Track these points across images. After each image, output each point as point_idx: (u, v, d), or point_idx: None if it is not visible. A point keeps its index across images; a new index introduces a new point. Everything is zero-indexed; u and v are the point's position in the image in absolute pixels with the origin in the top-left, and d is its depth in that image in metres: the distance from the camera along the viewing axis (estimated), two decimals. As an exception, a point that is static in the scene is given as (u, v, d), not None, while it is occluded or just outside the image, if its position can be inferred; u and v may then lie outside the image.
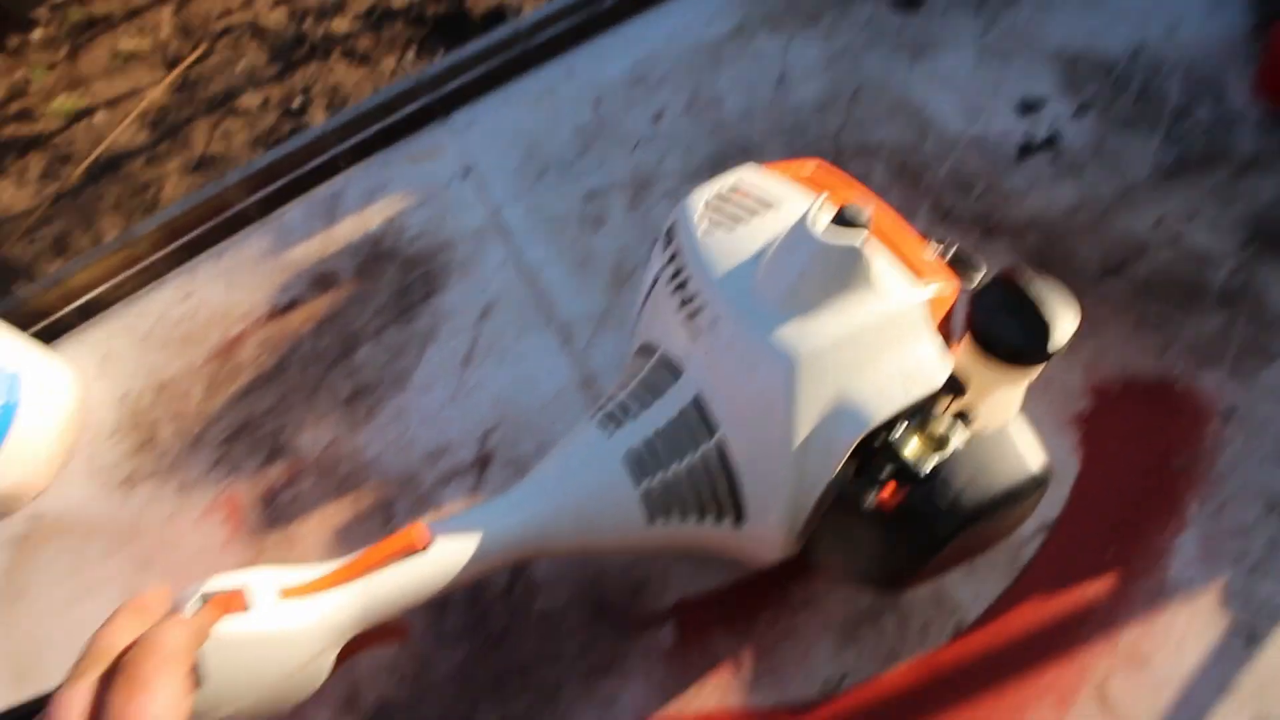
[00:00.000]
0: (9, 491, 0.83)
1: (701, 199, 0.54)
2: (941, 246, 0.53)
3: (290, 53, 2.22)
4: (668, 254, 0.54)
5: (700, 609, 0.64)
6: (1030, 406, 0.64)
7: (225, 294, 0.91)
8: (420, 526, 0.50)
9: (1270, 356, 0.63)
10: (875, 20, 0.86)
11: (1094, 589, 0.58)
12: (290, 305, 0.88)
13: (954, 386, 0.49)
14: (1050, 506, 0.61)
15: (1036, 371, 0.50)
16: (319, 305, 0.87)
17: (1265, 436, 0.60)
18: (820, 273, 0.46)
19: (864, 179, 0.77)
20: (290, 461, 0.79)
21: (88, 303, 0.94)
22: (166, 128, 2.19)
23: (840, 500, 0.48)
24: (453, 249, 0.86)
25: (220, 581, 0.47)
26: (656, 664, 0.63)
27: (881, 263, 0.49)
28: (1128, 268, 0.68)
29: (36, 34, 2.38)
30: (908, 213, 0.73)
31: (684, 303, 0.52)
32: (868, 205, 0.47)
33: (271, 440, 0.80)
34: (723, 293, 0.49)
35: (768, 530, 0.51)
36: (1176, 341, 0.64)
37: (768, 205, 0.53)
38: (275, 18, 2.30)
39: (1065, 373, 0.65)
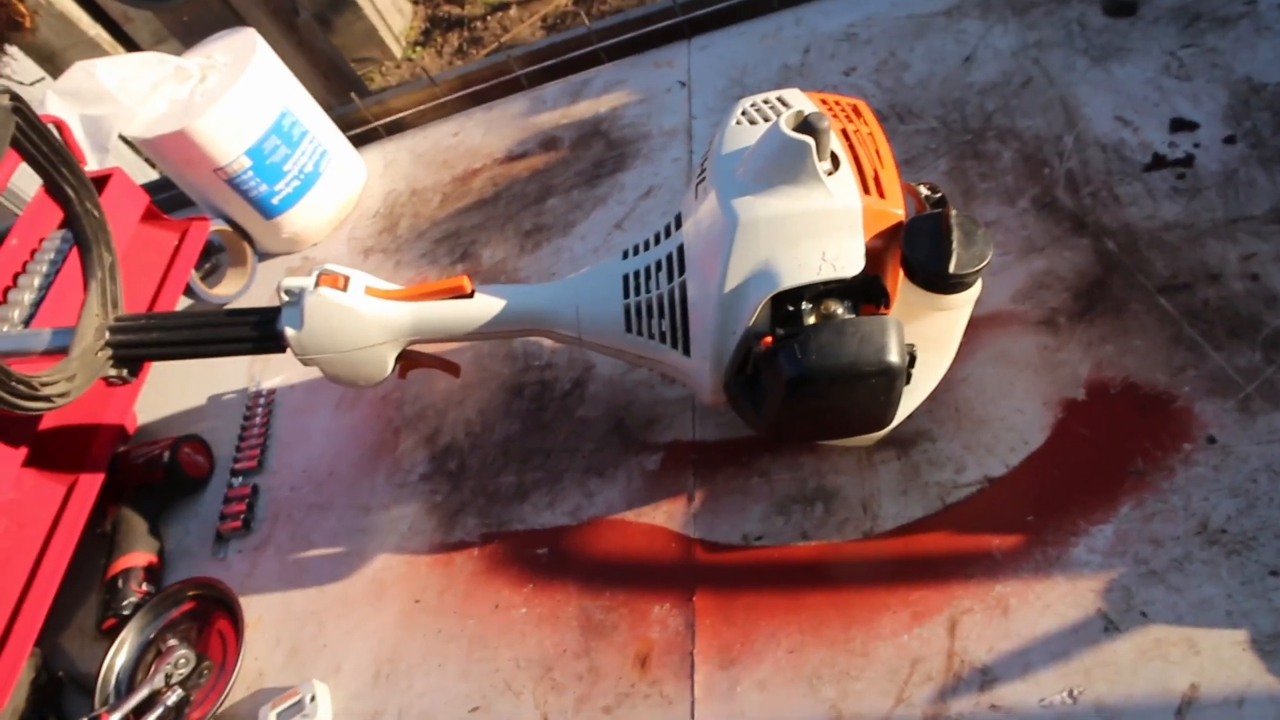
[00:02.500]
0: (298, 234, 1.14)
1: (750, 101, 0.66)
2: (929, 189, 0.61)
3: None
4: (712, 137, 0.67)
5: (686, 450, 0.77)
6: (1028, 379, 0.69)
7: (482, 137, 1.16)
8: (467, 278, 0.68)
9: (1280, 404, 0.61)
10: (1081, 19, 0.88)
11: (998, 542, 0.63)
12: (520, 155, 1.11)
13: (877, 292, 0.58)
14: (998, 466, 0.66)
15: (952, 301, 0.57)
16: (538, 160, 1.09)
17: (1231, 471, 0.60)
18: (777, 160, 0.57)
19: (993, 159, 0.83)
20: (470, 265, 1.01)
21: (394, 121, 1.23)
22: (559, 29, 2.54)
23: (748, 350, 0.59)
24: (647, 140, 1.03)
25: (333, 266, 0.69)
26: (636, 480, 0.77)
27: (844, 172, 0.58)
28: (1191, 290, 0.68)
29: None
30: (1013, 195, 0.79)
31: (700, 174, 0.64)
32: (830, 119, 0.56)
33: (467, 248, 1.04)
34: (717, 165, 0.61)
35: (702, 365, 0.63)
36: (1200, 367, 0.64)
37: (784, 112, 0.63)
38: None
39: (1077, 361, 0.68)
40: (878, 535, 0.66)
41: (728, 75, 1.04)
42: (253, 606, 0.82)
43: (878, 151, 0.60)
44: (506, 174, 1.09)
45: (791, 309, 0.57)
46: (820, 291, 0.57)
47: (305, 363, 0.70)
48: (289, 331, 0.68)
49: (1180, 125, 0.77)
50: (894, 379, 0.54)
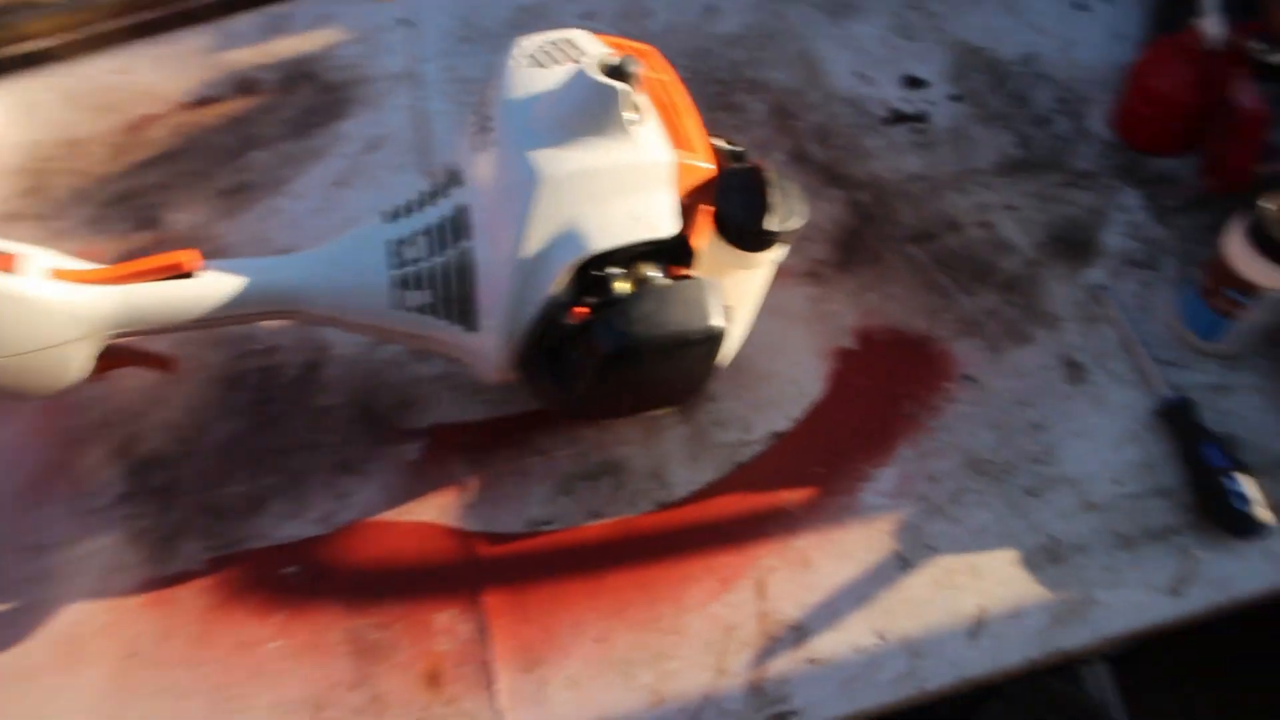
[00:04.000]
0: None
1: (532, 41, 0.59)
2: (727, 143, 0.57)
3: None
4: (489, 81, 0.59)
5: (450, 434, 0.69)
6: (801, 332, 0.69)
7: (156, 76, 0.97)
8: (194, 253, 0.55)
9: (1022, 341, 0.67)
10: (811, -24, 0.90)
11: (791, 497, 0.63)
12: (210, 99, 0.94)
13: (685, 252, 0.54)
14: (783, 421, 0.65)
15: (760, 258, 0.55)
16: (235, 106, 0.93)
17: (987, 405, 0.64)
18: (583, 107, 0.51)
19: (743, 110, 0.82)
20: (159, 233, 0.84)
21: (33, 52, 0.99)
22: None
23: (550, 319, 0.53)
24: (368, 85, 0.91)
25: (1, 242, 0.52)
26: (396, 474, 0.68)
27: (650, 124, 0.53)
28: (936, 238, 0.72)
29: None
30: (768, 147, 0.78)
31: (479, 122, 0.56)
32: (646, 68, 0.52)
33: (149, 211, 0.86)
34: (505, 113, 0.54)
35: (492, 339, 0.56)
36: (951, 309, 0.68)
37: (582, 57, 0.57)
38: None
39: (843, 311, 0.69)
40: (672, 504, 0.64)
41: (456, 15, 0.95)
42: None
43: (680, 103, 0.56)
44: (194, 122, 0.92)
45: (598, 274, 0.52)
46: (631, 254, 0.52)
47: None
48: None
49: (913, 82, 0.81)
50: (718, 343, 0.51)
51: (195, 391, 0.74)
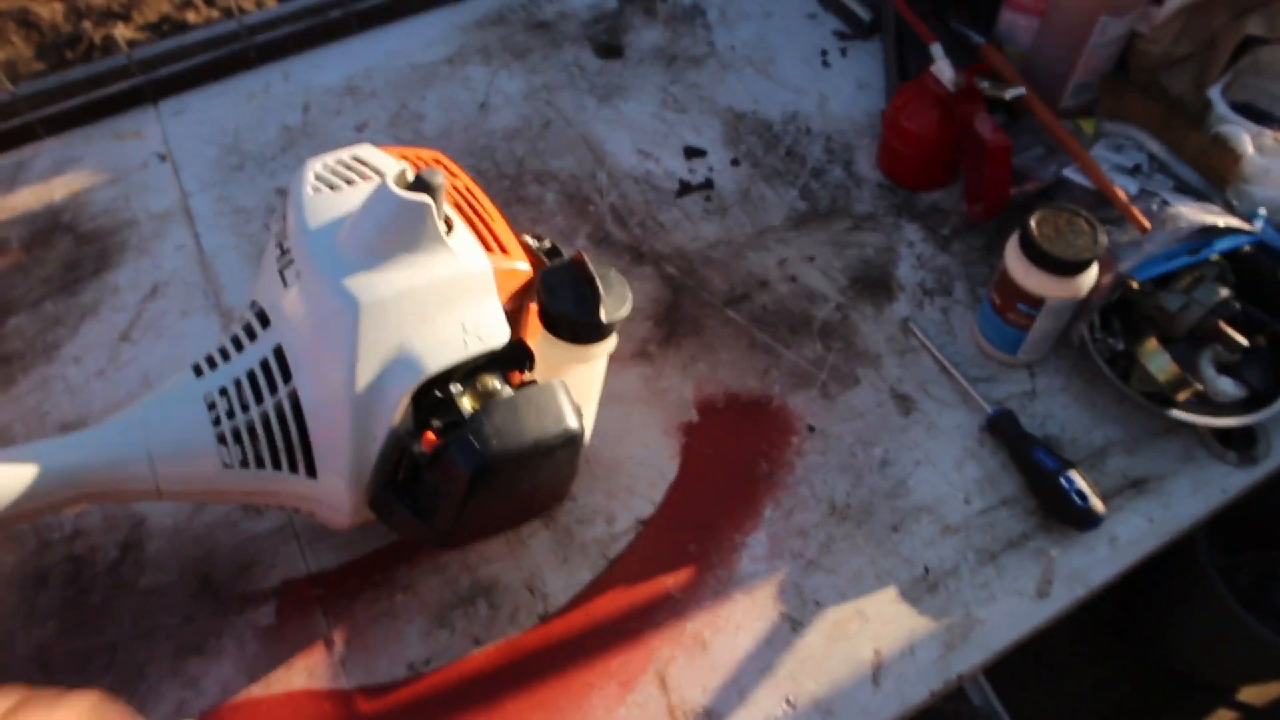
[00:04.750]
0: None
1: (319, 163, 0.56)
2: (536, 240, 0.57)
3: (62, 51, 2.11)
4: (280, 212, 0.55)
5: (303, 589, 0.64)
6: (643, 413, 0.69)
7: None
8: None
9: (851, 383, 0.70)
10: (578, 62, 0.92)
11: (672, 580, 0.62)
12: (-59, 269, 0.83)
13: (520, 355, 0.53)
14: (645, 505, 0.65)
15: (596, 350, 0.55)
16: (-25, 272, 0.83)
17: (835, 451, 0.67)
18: (393, 226, 0.49)
19: (538, 202, 0.82)
20: (-98, 429, 0.73)
21: None
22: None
23: (397, 451, 0.50)
24: (134, 229, 0.84)
25: None
26: (251, 643, 0.62)
27: (460, 233, 0.52)
28: (750, 299, 0.75)
29: None
30: (569, 235, 0.78)
31: (280, 254, 0.53)
32: (450, 177, 0.51)
33: (-113, 405, 0.75)
34: (309, 243, 0.51)
35: (337, 483, 0.52)
36: (779, 365, 0.71)
37: (375, 173, 0.55)
38: (51, 11, 2.18)
39: (679, 385, 0.70)
40: (555, 614, 0.62)
41: (218, 142, 0.90)
42: None
43: (484, 205, 0.55)
44: (-75, 296, 0.82)
45: (440, 394, 0.50)
46: (469, 368, 0.50)
47: None
48: None
49: (692, 153, 0.84)
50: (578, 444, 0.50)
51: (-13, 605, 0.64)
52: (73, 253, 0.84)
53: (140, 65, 0.92)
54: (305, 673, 0.61)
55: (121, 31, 2.21)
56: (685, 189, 0.81)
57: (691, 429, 0.69)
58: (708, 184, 0.82)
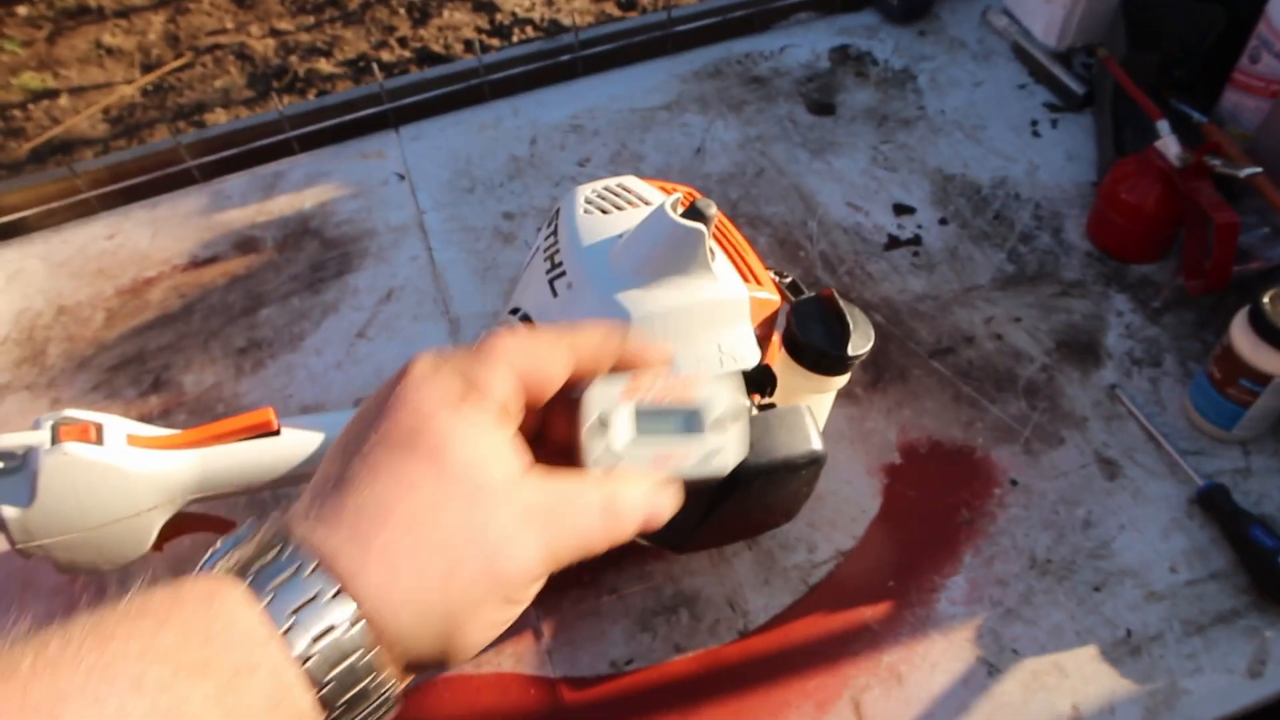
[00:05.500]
0: (-114, 374, 0.84)
1: (589, 189, 0.62)
2: (777, 274, 0.61)
3: (269, 81, 2.31)
4: (550, 229, 0.61)
5: (518, 579, 0.68)
6: (848, 451, 0.72)
7: (150, 240, 0.96)
8: (271, 411, 0.55)
9: (1055, 443, 0.71)
10: (791, 117, 0.97)
11: (870, 612, 0.64)
12: (209, 260, 0.93)
13: (765, 379, 0.56)
14: (846, 539, 0.67)
15: (832, 383, 0.58)
16: (236, 265, 0.93)
17: (1038, 506, 0.68)
18: (666, 249, 0.53)
19: (751, 244, 0.86)
20: (169, 396, 0.82)
21: (12, 222, 0.97)
22: (128, 125, 2.24)
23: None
24: (373, 238, 0.93)
25: (74, 412, 0.51)
26: (466, 623, 0.66)
27: (721, 261, 0.56)
28: (955, 352, 0.76)
29: (21, 9, 2.44)
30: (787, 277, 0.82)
31: (551, 268, 0.58)
32: (716, 209, 0.55)
33: (157, 374, 0.84)
34: (583, 260, 0.56)
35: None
36: (984, 418, 0.73)
37: (641, 201, 0.60)
38: (264, 46, 2.40)
39: (884, 428, 0.73)
40: (754, 631, 0.64)
41: (450, 166, 0.98)
42: None
43: (738, 239, 0.59)
44: (195, 282, 0.92)
45: None
46: (720, 387, 0.54)
47: (26, 553, 0.51)
48: (7, 511, 0.49)
49: (901, 209, 0.87)
50: (820, 466, 0.53)
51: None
52: (319, 255, 0.93)
53: (389, 94, 1.01)
54: (514, 658, 0.65)
55: (322, 66, 2.40)
56: (893, 243, 0.84)
57: (894, 471, 0.70)
58: (916, 240, 0.84)
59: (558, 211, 0.63)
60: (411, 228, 0.93)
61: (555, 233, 0.61)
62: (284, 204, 0.98)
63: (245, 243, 0.94)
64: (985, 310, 0.79)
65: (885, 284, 0.82)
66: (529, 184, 0.95)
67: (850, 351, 0.55)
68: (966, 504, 0.68)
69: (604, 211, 0.60)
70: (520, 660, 0.64)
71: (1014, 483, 0.69)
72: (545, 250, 0.61)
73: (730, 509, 0.53)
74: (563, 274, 0.58)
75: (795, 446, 0.52)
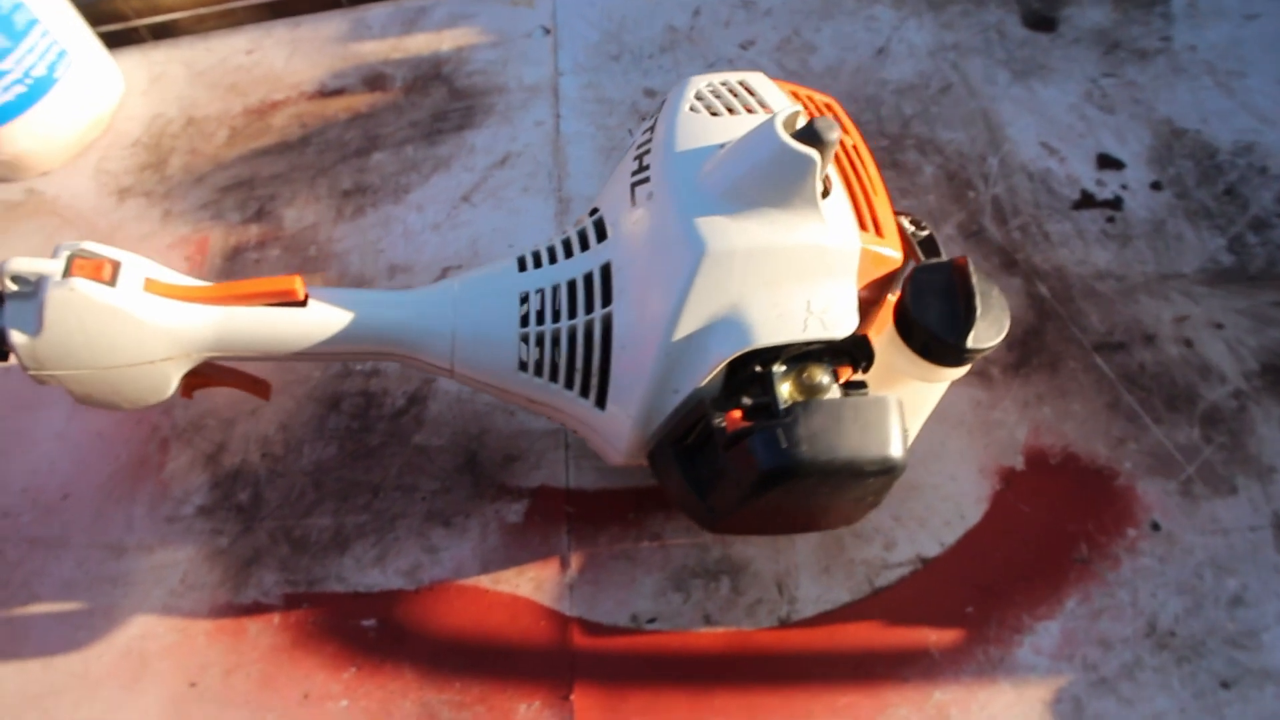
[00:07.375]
0: (20, 156, 0.86)
1: (704, 81, 0.52)
2: (913, 225, 0.50)
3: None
4: (648, 122, 0.52)
5: (557, 500, 0.63)
6: (962, 441, 0.61)
7: (285, 61, 0.92)
8: (298, 279, 0.50)
9: (1225, 490, 0.57)
10: (1000, 27, 0.81)
11: (936, 637, 0.55)
12: (336, 91, 0.89)
13: (860, 352, 0.46)
14: (932, 544, 0.58)
15: (945, 374, 0.47)
16: (361, 100, 0.88)
17: (1178, 564, 0.55)
18: (768, 174, 0.43)
19: (913, 173, 0.73)
20: (268, 227, 0.80)
21: (164, 24, 0.96)
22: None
23: (695, 414, 0.46)
24: (502, 95, 0.86)
25: (95, 247, 0.48)
26: (493, 534, 0.62)
27: (837, 199, 0.46)
28: (1127, 351, 0.63)
29: None
30: (937, 219, 0.69)
31: (637, 170, 0.50)
32: (842, 132, 0.44)
33: (262, 203, 0.82)
34: (671, 165, 0.47)
35: (622, 422, 0.50)
36: (1140, 439, 0.59)
37: (760, 107, 0.50)
38: None
39: (1013, 423, 0.61)
40: (796, 623, 0.56)
41: (601, 27, 0.88)
42: (-57, 692, 0.59)
43: (869, 174, 0.48)
44: (318, 113, 0.88)
45: (759, 369, 0.44)
46: (799, 351, 0.45)
47: (39, 380, 0.49)
48: (15, 337, 0.46)
49: (1107, 162, 0.71)
50: (894, 477, 0.43)
51: (291, 407, 0.69)
52: (443, 104, 0.86)
53: (554, -66, 0.91)
54: (534, 583, 0.60)
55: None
56: (1086, 201, 0.69)
57: (1012, 477, 0.59)
58: (1115, 202, 0.69)
59: (663, 102, 0.53)
60: (544, 90, 0.85)
61: (653, 128, 0.51)
62: (421, 43, 0.91)
63: (375, 79, 0.89)
64: (1180, 306, 0.64)
65: (1063, 250, 0.68)
66: (680, 60, 0.84)
67: (970, 344, 0.43)
68: (1089, 538, 0.57)
69: (713, 113, 0.50)
70: (539, 588, 0.60)
71: (1156, 527, 0.57)
72: (639, 147, 0.52)
73: (772, 504, 0.45)
74: (646, 179, 0.49)
75: (866, 449, 0.42)
